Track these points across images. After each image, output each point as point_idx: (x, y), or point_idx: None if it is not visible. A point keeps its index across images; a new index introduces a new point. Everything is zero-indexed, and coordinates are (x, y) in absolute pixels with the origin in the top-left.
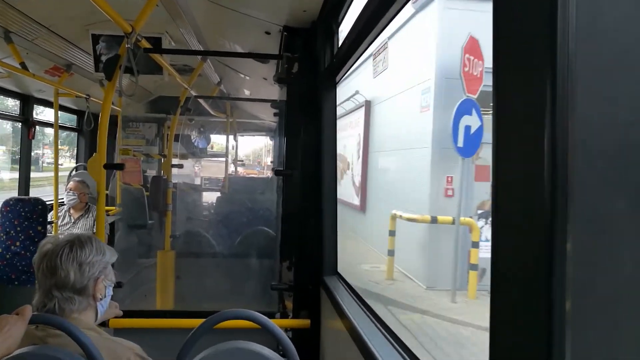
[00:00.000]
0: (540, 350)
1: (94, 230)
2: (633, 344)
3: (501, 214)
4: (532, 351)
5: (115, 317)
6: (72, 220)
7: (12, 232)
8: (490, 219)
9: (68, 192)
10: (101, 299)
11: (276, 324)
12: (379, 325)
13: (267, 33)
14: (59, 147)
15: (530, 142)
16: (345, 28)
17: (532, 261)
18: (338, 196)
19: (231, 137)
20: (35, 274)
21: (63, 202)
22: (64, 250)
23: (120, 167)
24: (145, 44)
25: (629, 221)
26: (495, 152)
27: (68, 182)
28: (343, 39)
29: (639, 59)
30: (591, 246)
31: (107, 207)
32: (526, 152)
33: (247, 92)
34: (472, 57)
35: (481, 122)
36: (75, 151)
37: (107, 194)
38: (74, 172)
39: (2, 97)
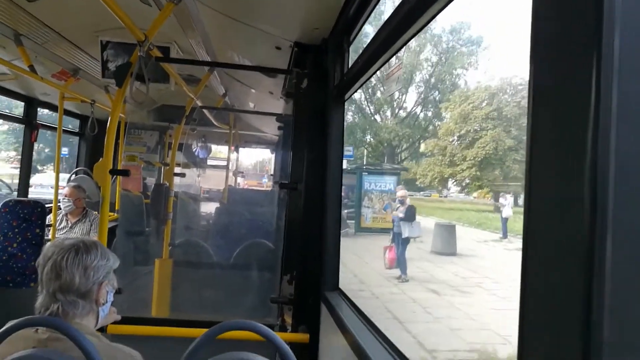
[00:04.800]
0: None
1: (91, 235)
2: None
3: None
4: None
5: (114, 323)
6: (69, 225)
7: (10, 233)
8: None
9: (63, 198)
10: (103, 304)
11: None
12: (382, 342)
13: (278, 48)
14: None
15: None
16: (356, 47)
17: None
18: None
19: (232, 148)
20: (39, 277)
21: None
22: (70, 254)
23: (126, 173)
24: (157, 53)
25: None
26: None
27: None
28: (355, 58)
29: None
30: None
31: None
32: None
33: (251, 105)
34: None
35: None
36: (76, 155)
37: None
38: (73, 177)
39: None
